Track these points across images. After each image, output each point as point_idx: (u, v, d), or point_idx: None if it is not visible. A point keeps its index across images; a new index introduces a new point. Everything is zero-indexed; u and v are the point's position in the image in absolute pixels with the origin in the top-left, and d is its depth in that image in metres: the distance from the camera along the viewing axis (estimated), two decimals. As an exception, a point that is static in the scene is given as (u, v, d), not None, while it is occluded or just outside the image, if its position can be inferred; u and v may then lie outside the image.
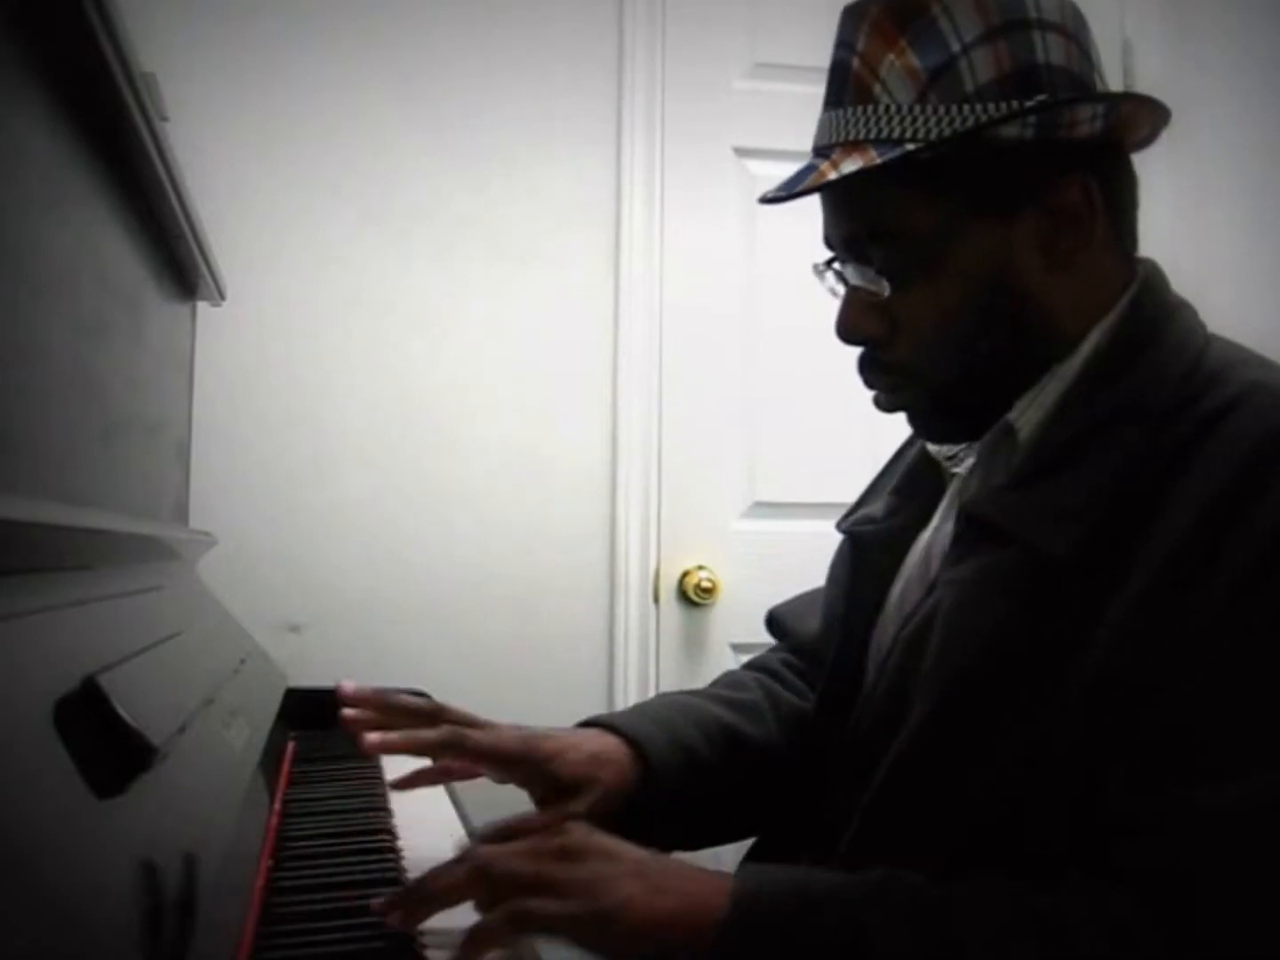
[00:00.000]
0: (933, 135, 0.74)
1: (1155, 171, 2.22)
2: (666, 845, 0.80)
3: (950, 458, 0.87)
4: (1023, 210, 0.77)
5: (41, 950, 0.38)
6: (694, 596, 1.99)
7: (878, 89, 0.76)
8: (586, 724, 0.92)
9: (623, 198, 2.02)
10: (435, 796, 1.06)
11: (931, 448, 0.90)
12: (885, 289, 0.79)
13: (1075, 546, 0.69)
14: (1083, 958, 0.62)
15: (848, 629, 0.91)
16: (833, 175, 0.76)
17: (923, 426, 0.86)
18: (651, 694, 1.97)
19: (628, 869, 0.67)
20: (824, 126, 0.80)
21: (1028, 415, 0.78)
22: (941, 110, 0.74)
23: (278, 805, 0.96)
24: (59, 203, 0.75)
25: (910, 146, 0.74)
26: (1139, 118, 0.78)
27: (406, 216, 1.95)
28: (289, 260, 1.90)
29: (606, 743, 0.88)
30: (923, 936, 0.63)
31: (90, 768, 0.50)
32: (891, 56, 0.76)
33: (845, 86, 0.78)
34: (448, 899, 0.66)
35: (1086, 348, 0.78)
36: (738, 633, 1.98)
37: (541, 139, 2.01)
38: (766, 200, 0.84)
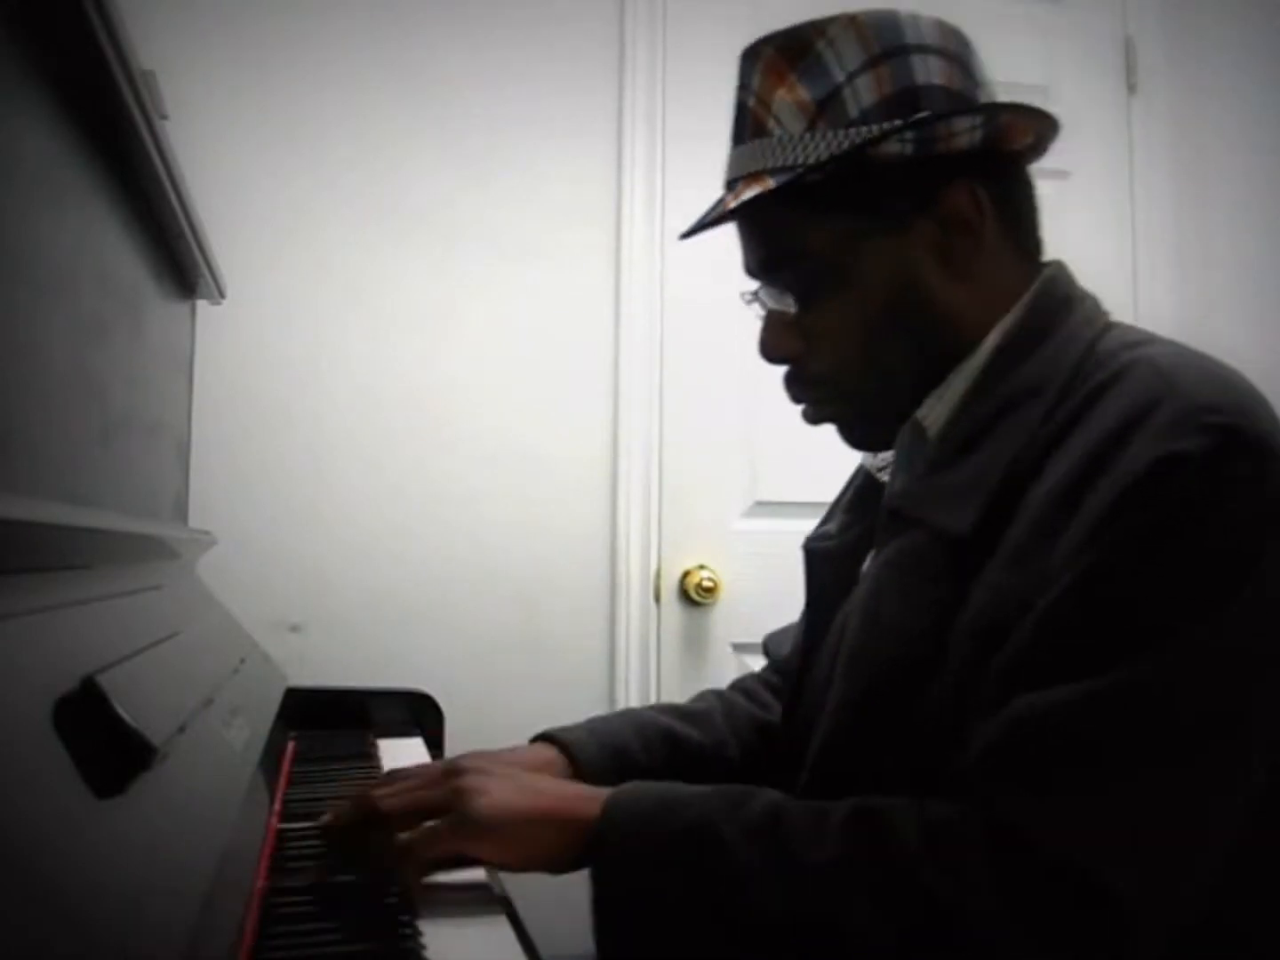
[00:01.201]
0: (821, 158, 0.79)
1: (1158, 168, 2.22)
2: None
3: (881, 469, 0.91)
4: (915, 221, 0.81)
5: (41, 950, 0.38)
6: (695, 596, 1.98)
7: (771, 123, 0.82)
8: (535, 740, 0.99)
9: (624, 197, 2.02)
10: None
11: (866, 461, 0.94)
12: (793, 307, 0.84)
13: (975, 522, 0.74)
14: (897, 846, 0.66)
15: (809, 640, 0.95)
16: (733, 204, 0.82)
17: (849, 436, 0.90)
18: (653, 694, 1.97)
19: (499, 776, 0.75)
20: (730, 163, 0.86)
21: (935, 411, 0.82)
22: (830, 135, 0.79)
23: (278, 805, 0.96)
24: (58, 201, 0.75)
25: (800, 170, 0.79)
26: (1020, 126, 0.82)
27: (407, 215, 1.95)
28: (289, 259, 1.90)
29: (542, 752, 0.95)
30: (763, 836, 0.69)
31: (90, 767, 0.50)
32: (782, 91, 0.81)
33: (744, 124, 0.84)
34: (346, 842, 0.75)
35: (989, 344, 0.81)
36: (738, 632, 1.98)
37: (542, 138, 2.00)
38: (682, 236, 0.91)
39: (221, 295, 1.42)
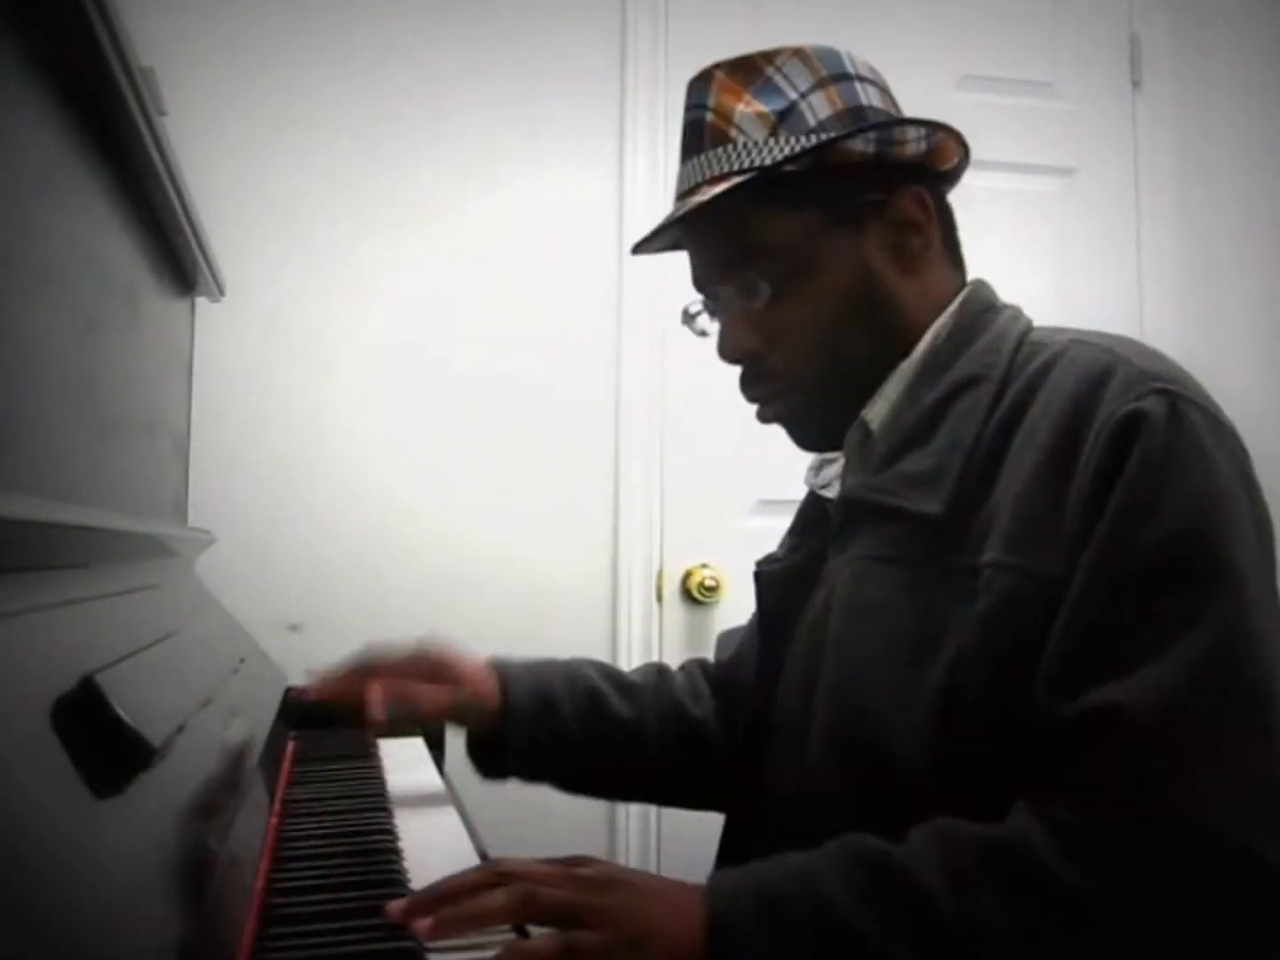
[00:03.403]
0: (791, 155, 0.84)
1: (1162, 164, 2.21)
2: (521, 776, 1.05)
3: (824, 487, 0.97)
4: (872, 220, 0.87)
5: (40, 951, 0.38)
6: (698, 595, 1.98)
7: (734, 131, 0.87)
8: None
9: (626, 195, 2.02)
10: (436, 797, 1.05)
11: (809, 481, 1.00)
12: (764, 296, 0.88)
13: (945, 503, 0.78)
14: (1039, 869, 0.64)
15: (763, 659, 0.97)
16: (704, 198, 0.85)
17: (799, 433, 0.95)
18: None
19: (651, 896, 0.68)
20: (685, 175, 0.90)
21: (877, 409, 0.87)
22: (793, 140, 0.85)
23: (278, 805, 0.95)
24: (57, 198, 0.74)
25: (771, 165, 0.84)
26: (949, 146, 0.91)
27: (407, 212, 1.95)
28: (288, 256, 1.89)
29: (490, 672, 1.05)
30: (886, 894, 0.65)
31: (88, 768, 0.49)
32: (741, 106, 0.87)
33: (703, 136, 0.89)
34: (488, 919, 0.65)
35: (923, 345, 0.88)
36: (740, 631, 1.97)
37: (544, 135, 2.00)
38: (636, 250, 0.97)
39: (221, 292, 1.42)
